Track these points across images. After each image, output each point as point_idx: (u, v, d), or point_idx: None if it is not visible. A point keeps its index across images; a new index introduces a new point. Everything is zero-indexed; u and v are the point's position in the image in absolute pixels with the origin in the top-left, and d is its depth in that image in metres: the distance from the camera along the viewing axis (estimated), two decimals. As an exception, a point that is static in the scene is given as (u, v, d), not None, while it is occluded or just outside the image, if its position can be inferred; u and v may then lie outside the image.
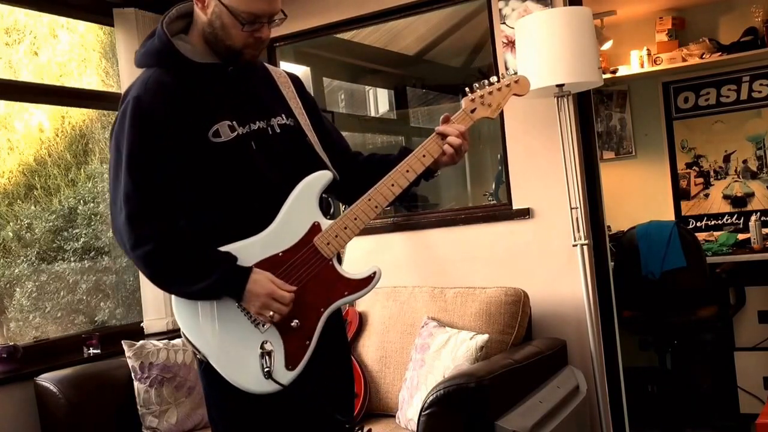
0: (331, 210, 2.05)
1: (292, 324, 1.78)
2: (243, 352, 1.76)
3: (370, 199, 1.85)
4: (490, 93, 1.96)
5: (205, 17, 1.81)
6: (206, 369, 1.81)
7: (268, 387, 1.75)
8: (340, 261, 1.90)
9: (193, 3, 1.84)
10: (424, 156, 1.88)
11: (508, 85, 1.98)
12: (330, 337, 1.89)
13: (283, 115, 1.92)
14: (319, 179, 1.85)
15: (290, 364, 1.77)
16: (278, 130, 1.89)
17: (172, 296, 1.81)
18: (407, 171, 1.87)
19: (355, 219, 1.84)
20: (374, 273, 1.84)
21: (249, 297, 1.74)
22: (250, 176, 1.82)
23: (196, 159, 1.77)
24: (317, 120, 2.01)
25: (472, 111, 1.95)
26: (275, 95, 1.95)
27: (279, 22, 1.83)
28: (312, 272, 1.81)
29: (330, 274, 1.83)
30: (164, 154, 1.75)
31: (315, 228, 1.82)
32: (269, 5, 1.79)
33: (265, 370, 1.74)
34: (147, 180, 1.73)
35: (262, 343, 1.76)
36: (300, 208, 1.83)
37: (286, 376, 1.76)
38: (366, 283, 1.84)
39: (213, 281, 1.72)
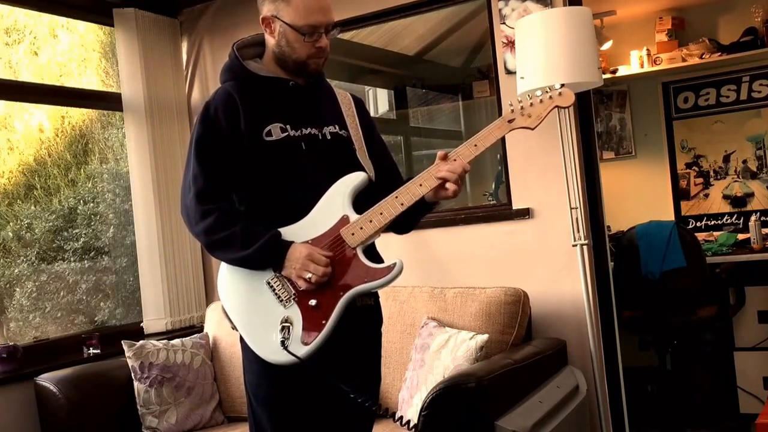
0: None
1: (311, 303, 1.93)
2: (266, 325, 1.93)
3: (396, 197, 1.99)
4: (531, 105, 2.05)
5: (273, 39, 2.07)
6: (242, 339, 2.01)
7: (284, 357, 1.89)
8: (371, 254, 2.02)
9: (262, 33, 2.11)
10: (455, 161, 2.00)
11: (550, 97, 2.06)
12: (362, 329, 2.08)
13: (336, 126, 2.13)
14: (354, 178, 2.03)
15: (306, 339, 1.90)
16: (329, 137, 2.10)
17: (219, 274, 2.03)
18: (442, 177, 1.98)
19: (381, 214, 1.98)
20: (395, 264, 1.95)
21: (289, 262, 1.94)
22: (296, 172, 2.03)
23: (251, 154, 2.02)
24: (370, 137, 2.20)
25: (510, 120, 2.05)
26: (333, 110, 2.17)
27: (336, 32, 2.09)
28: (335, 259, 1.95)
29: (353, 261, 1.96)
30: (224, 147, 2.02)
31: (343, 220, 1.98)
32: (324, 16, 2.03)
33: (281, 340, 1.89)
34: (210, 165, 2.01)
35: (283, 318, 1.92)
36: (333, 202, 2.00)
37: (301, 350, 1.89)
38: (386, 272, 1.95)
39: (260, 246, 1.94)
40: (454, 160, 1.99)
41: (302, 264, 1.92)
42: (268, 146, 2.02)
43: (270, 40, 2.09)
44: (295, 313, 1.92)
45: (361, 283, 1.94)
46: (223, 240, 1.97)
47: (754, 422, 2.25)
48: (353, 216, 1.99)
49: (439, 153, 2.01)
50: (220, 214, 1.98)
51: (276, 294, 1.95)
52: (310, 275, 1.91)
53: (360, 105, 2.25)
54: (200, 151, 2.03)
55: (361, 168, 2.08)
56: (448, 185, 1.98)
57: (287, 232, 1.98)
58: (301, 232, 1.99)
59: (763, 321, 4.19)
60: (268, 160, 2.02)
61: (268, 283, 1.96)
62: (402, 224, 2.13)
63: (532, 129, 2.07)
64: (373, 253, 2.07)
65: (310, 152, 2.05)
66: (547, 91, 2.06)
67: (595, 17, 3.34)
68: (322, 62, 2.10)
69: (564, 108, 2.10)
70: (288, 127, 2.04)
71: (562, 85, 2.09)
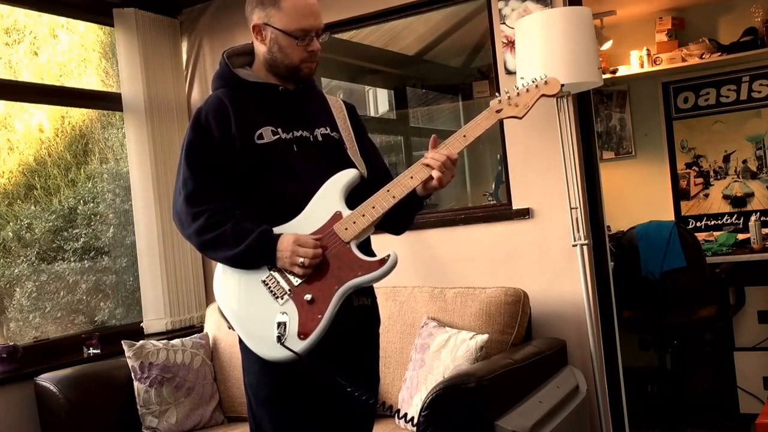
0: None
1: (306, 297, 1.93)
2: (263, 323, 1.93)
3: (388, 190, 2.00)
4: (518, 94, 2.08)
5: (265, 46, 2.09)
6: (241, 339, 2.01)
7: (281, 353, 1.89)
8: (366, 251, 2.02)
9: (251, 43, 2.14)
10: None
11: (536, 86, 2.09)
12: (359, 330, 2.10)
13: (327, 127, 2.14)
14: (345, 174, 2.04)
15: (302, 334, 1.90)
16: (320, 139, 2.11)
17: (215, 275, 2.04)
18: (427, 164, 2.00)
19: (373, 207, 1.99)
20: (389, 256, 1.95)
21: (280, 253, 1.95)
22: (288, 173, 2.04)
23: (244, 157, 2.03)
24: (361, 140, 2.22)
25: (498, 111, 2.07)
26: (324, 113, 2.19)
27: (326, 37, 2.12)
28: (330, 253, 1.96)
29: (346, 255, 1.96)
30: (214, 153, 2.04)
31: (336, 216, 1.99)
32: (315, 20, 2.07)
33: (277, 336, 1.89)
34: (200, 169, 2.03)
35: (279, 314, 1.92)
36: (325, 199, 2.02)
37: (298, 345, 1.89)
38: (380, 264, 1.95)
39: (250, 242, 1.95)
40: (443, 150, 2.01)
41: (292, 250, 1.93)
42: (260, 149, 2.03)
43: (261, 48, 2.10)
44: (290, 309, 1.92)
45: (355, 277, 1.94)
46: (214, 239, 1.98)
47: (754, 422, 2.25)
48: (346, 211, 1.99)
49: (431, 139, 2.03)
50: (211, 214, 1.99)
51: (271, 291, 1.95)
52: (301, 259, 1.92)
53: (351, 109, 2.27)
54: (190, 156, 2.05)
55: (353, 166, 2.09)
56: (433, 173, 2.00)
57: (281, 230, 1.99)
58: (295, 229, 2.00)
59: (763, 321, 4.19)
60: (260, 162, 2.03)
61: (263, 282, 1.97)
62: (396, 222, 2.14)
63: (520, 118, 2.09)
64: (367, 251, 2.07)
65: (301, 153, 2.07)
66: (533, 81, 2.08)
67: (595, 17, 3.34)
68: (314, 66, 2.12)
69: (550, 96, 2.10)
70: (279, 130, 2.06)
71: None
